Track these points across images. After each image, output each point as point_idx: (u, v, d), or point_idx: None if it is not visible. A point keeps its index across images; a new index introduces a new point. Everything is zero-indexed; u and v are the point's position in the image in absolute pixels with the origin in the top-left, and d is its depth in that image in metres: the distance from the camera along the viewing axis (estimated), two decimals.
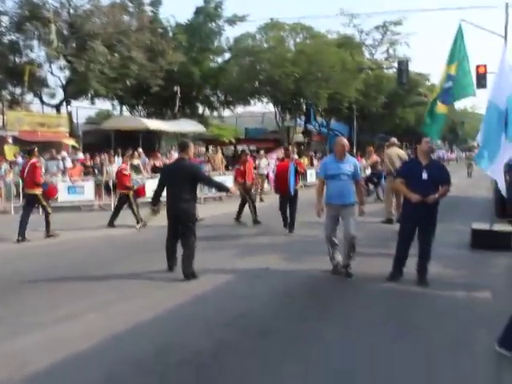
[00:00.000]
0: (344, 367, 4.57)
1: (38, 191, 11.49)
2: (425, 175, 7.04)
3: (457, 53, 9.83)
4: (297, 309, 6.28)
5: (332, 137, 37.31)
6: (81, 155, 22.98)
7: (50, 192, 12.42)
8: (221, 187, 8.59)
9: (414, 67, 72.08)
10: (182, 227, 7.69)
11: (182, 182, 7.60)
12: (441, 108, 10.11)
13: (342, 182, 7.48)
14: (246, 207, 13.37)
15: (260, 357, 4.79)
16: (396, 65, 32.62)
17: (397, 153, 12.93)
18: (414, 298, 6.72)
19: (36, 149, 12.04)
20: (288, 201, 11.48)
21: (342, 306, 6.41)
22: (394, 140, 13.70)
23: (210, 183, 8.71)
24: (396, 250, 7.39)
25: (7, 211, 16.07)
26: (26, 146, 23.21)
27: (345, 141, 7.76)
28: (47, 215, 11.52)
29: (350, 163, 7.62)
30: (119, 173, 13.51)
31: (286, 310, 6.21)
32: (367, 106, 42.39)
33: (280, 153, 12.45)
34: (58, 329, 5.54)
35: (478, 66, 21.93)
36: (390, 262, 7.42)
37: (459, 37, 9.86)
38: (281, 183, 11.40)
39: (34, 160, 11.72)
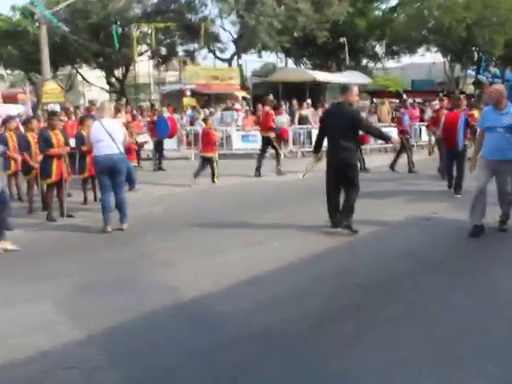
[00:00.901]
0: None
1: (272, 134, 13.52)
2: None
3: None
4: (463, 251, 6.60)
5: (507, 88, 34.77)
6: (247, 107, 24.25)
7: (281, 134, 14.48)
8: (382, 136, 8.18)
9: None
10: (343, 177, 7.30)
11: (341, 129, 7.11)
12: None
13: (498, 135, 6.76)
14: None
15: (435, 287, 5.21)
16: None
17: None
18: None
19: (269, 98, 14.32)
20: (455, 157, 10.24)
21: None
22: None
23: (371, 131, 8.16)
24: None
25: (188, 157, 17.67)
26: (202, 98, 25.20)
27: (502, 88, 7.00)
28: (278, 155, 13.65)
29: (511, 114, 6.80)
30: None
31: (452, 253, 6.53)
32: None
33: (436, 103, 11.87)
34: (242, 254, 6.48)
35: None
36: None
37: None
38: (448, 135, 10.20)
39: (267, 108, 13.75)
